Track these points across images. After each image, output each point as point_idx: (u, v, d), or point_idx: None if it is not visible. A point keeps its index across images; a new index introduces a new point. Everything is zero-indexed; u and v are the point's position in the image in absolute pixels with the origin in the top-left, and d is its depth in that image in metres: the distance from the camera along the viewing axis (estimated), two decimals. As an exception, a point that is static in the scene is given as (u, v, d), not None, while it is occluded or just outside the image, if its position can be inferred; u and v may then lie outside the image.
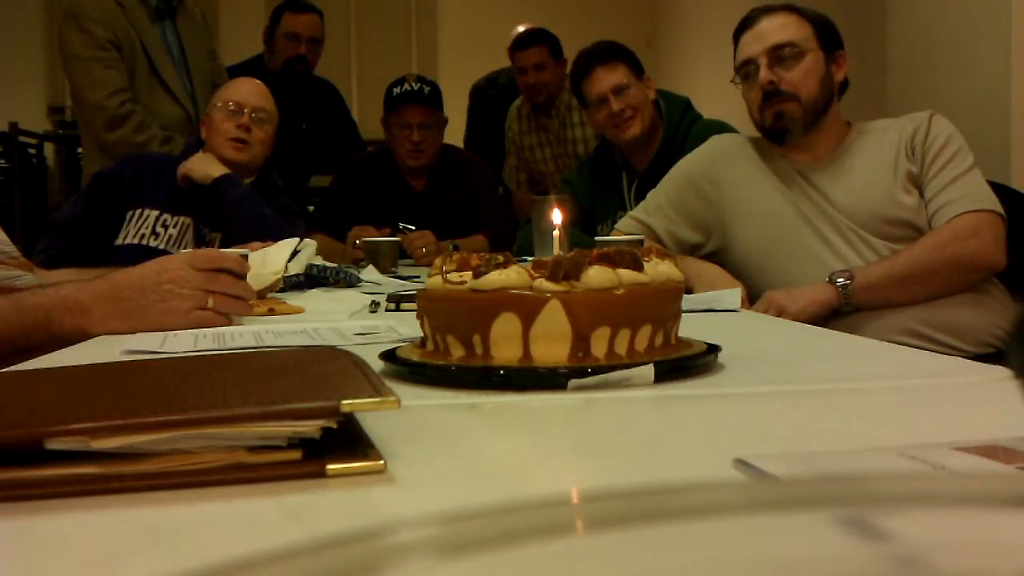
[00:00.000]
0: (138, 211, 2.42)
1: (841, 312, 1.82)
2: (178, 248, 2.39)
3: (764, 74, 1.93)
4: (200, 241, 2.43)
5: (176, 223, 2.42)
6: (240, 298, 1.28)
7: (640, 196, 2.51)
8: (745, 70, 1.98)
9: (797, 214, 1.95)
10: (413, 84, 3.08)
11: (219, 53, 3.25)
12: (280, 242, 1.78)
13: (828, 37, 1.97)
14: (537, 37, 3.55)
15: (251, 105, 2.48)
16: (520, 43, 3.56)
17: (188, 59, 3.02)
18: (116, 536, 0.46)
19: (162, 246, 2.39)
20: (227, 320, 1.26)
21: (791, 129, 1.95)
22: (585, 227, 2.61)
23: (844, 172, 1.95)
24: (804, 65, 1.94)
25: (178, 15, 3.01)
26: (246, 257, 1.44)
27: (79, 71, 2.86)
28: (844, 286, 1.80)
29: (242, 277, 1.29)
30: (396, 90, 3.08)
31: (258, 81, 2.62)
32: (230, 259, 1.29)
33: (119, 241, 2.39)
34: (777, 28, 1.95)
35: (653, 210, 2.12)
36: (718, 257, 2.06)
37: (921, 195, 1.88)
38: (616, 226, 2.21)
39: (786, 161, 2.00)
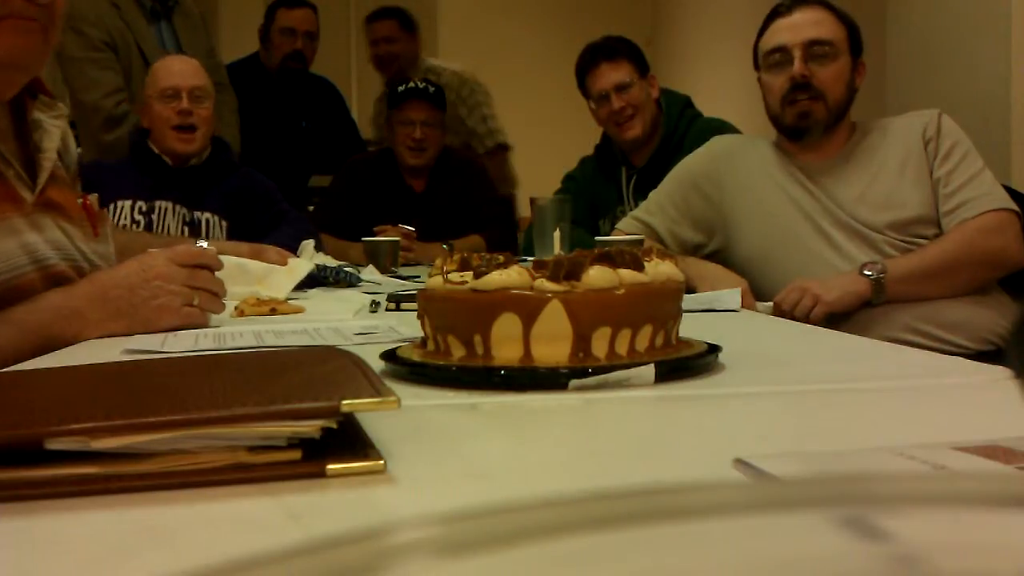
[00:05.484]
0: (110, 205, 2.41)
1: (871, 304, 1.82)
2: (165, 232, 2.40)
3: (799, 66, 1.91)
4: (193, 225, 2.44)
5: (156, 208, 2.43)
6: (216, 295, 1.28)
7: (639, 191, 2.53)
8: (774, 58, 1.96)
9: (800, 214, 1.95)
10: (419, 82, 3.09)
11: (217, 52, 3.24)
12: (292, 263, 1.77)
13: (856, 42, 1.97)
14: (389, 12, 3.62)
15: (187, 86, 2.44)
16: (372, 16, 3.62)
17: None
18: (116, 536, 0.46)
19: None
20: (207, 318, 1.26)
21: (812, 130, 1.94)
22: (590, 227, 2.61)
23: (849, 171, 1.95)
24: (836, 66, 1.93)
25: (175, 15, 3.01)
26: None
27: (75, 73, 2.87)
28: (878, 279, 1.80)
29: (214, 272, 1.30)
30: (401, 87, 3.10)
31: (186, 57, 2.61)
32: (208, 255, 1.29)
33: None
34: (815, 23, 1.93)
35: (655, 210, 2.12)
36: (721, 256, 2.06)
37: (932, 191, 1.88)
38: (617, 226, 2.21)
39: (790, 161, 2.00)
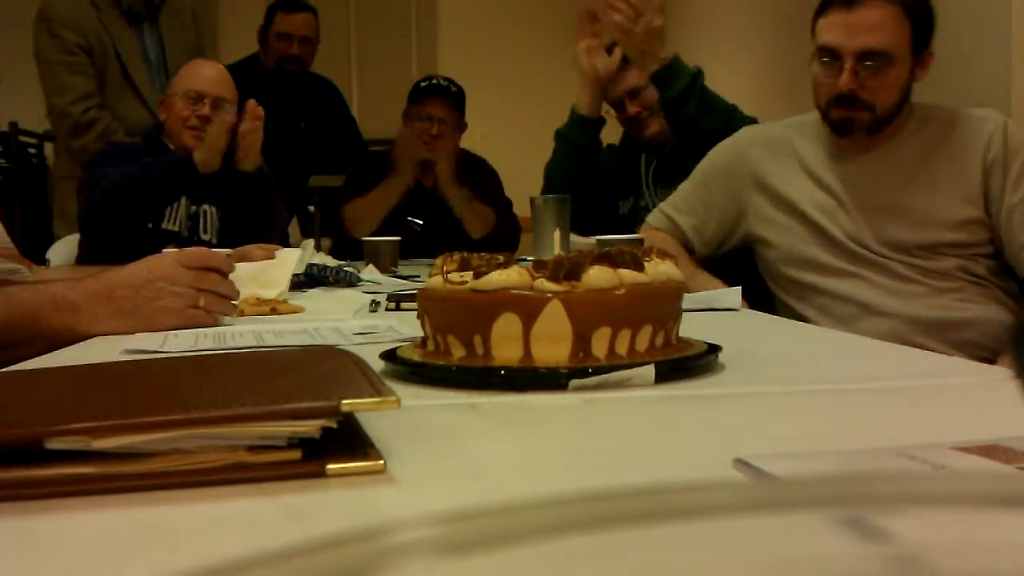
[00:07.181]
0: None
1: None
2: (177, 226, 2.46)
3: (846, 80, 1.79)
4: (195, 219, 2.50)
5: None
6: (226, 297, 1.28)
7: (658, 178, 2.56)
8: (825, 55, 1.82)
9: (825, 217, 1.88)
10: (442, 81, 3.13)
11: (206, 51, 3.22)
12: (281, 255, 1.76)
13: (923, 33, 1.82)
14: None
15: (212, 95, 2.51)
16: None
17: (168, 61, 3.01)
18: (116, 536, 0.46)
19: (175, 228, 2.49)
20: (215, 319, 1.26)
21: (856, 133, 1.85)
22: (604, 191, 2.64)
23: (892, 174, 1.84)
24: (891, 76, 1.80)
25: (161, 14, 3.00)
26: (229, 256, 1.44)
27: (48, 75, 2.90)
28: None
29: (226, 276, 1.30)
30: (424, 83, 3.13)
31: (218, 65, 2.66)
32: (218, 258, 1.29)
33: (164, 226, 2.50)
34: (873, 27, 1.78)
35: (681, 205, 2.09)
36: (749, 246, 2.02)
37: (985, 212, 1.78)
38: (647, 219, 2.18)
39: (823, 162, 1.91)
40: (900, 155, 1.85)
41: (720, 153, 2.09)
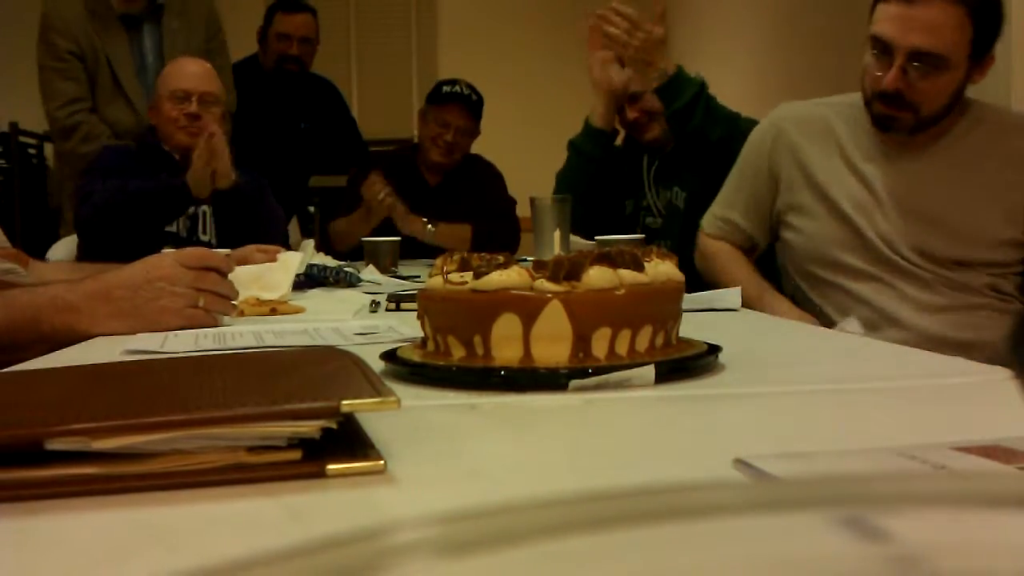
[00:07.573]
0: None
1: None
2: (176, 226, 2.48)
3: (892, 79, 1.67)
4: (193, 219, 2.50)
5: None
6: (226, 297, 1.28)
7: (659, 178, 2.56)
8: (876, 46, 1.70)
9: (858, 208, 1.80)
10: (464, 88, 3.15)
11: (219, 48, 3.19)
12: (283, 258, 1.76)
13: (986, 37, 1.69)
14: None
15: (198, 91, 2.50)
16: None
17: (167, 63, 3.01)
18: (116, 536, 0.46)
19: (173, 228, 2.48)
20: (215, 319, 1.26)
21: (896, 132, 1.76)
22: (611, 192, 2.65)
23: (935, 178, 1.76)
24: (941, 80, 1.68)
25: (167, 15, 2.99)
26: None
27: (42, 80, 2.98)
28: None
29: (226, 276, 1.30)
30: (447, 88, 3.16)
31: (202, 62, 2.65)
32: (217, 258, 1.29)
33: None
34: (931, 26, 1.65)
35: (728, 199, 2.04)
36: (782, 235, 1.96)
37: None
38: (702, 225, 2.11)
39: (868, 142, 1.82)
40: (947, 158, 1.76)
41: (757, 133, 2.01)
